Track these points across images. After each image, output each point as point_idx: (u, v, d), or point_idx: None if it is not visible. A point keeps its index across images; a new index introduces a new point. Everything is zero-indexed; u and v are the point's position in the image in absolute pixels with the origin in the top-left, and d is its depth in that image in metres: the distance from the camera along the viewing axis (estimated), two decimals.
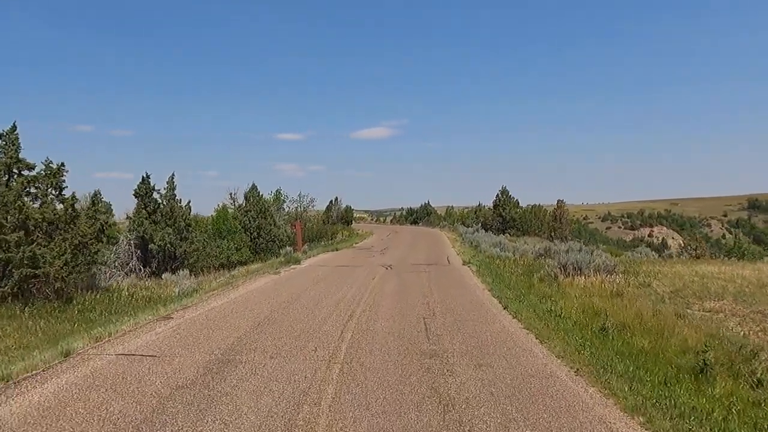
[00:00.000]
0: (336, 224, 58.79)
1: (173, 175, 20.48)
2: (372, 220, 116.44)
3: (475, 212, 56.13)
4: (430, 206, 72.21)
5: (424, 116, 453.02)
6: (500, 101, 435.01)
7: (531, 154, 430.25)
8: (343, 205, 61.17)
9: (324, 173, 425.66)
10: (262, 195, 26.48)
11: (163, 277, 14.94)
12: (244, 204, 26.00)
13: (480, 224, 40.54)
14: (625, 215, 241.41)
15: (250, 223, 25.20)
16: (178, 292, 11.39)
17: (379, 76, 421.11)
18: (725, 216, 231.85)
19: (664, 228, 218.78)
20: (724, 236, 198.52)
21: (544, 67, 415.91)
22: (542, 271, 14.06)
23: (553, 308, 9.16)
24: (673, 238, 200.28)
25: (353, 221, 62.82)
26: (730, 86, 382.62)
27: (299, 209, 36.67)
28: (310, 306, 9.28)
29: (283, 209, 33.26)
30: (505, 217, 41.60)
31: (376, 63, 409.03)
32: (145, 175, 19.85)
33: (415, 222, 70.24)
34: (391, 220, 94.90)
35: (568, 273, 13.56)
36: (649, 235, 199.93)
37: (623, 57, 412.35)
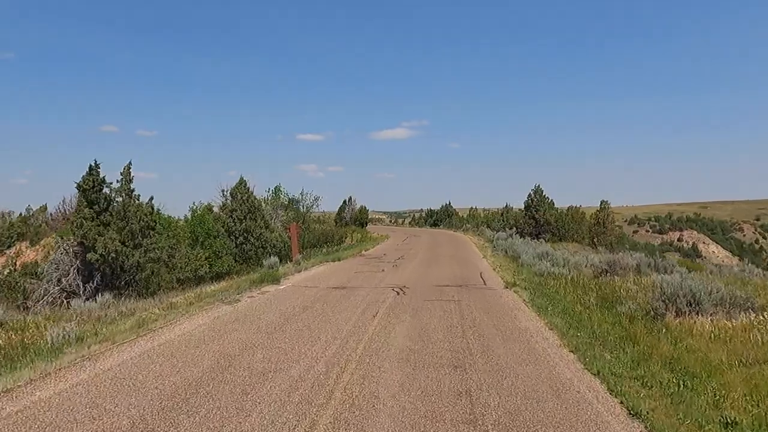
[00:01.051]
0: (348, 226, 54.29)
1: (129, 164, 16.06)
2: (390, 221, 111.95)
3: (503, 214, 51.09)
4: (451, 207, 67.29)
5: (444, 117, 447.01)
6: (521, 102, 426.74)
7: (552, 155, 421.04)
8: (358, 206, 56.60)
9: (343, 174, 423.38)
10: (251, 191, 21.98)
11: (72, 305, 10.40)
12: (230, 202, 21.52)
13: (513, 228, 35.59)
14: (653, 218, 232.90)
15: (235, 225, 20.73)
16: (51, 343, 6.87)
17: (399, 77, 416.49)
18: (758, 220, 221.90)
19: (695, 232, 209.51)
20: (757, 241, 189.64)
21: (565, 67, 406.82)
22: (628, 305, 9.23)
23: (717, 402, 4.43)
24: (704, 243, 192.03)
25: (368, 223, 58.21)
26: (760, 87, 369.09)
27: (302, 209, 32.18)
28: (225, 404, 4.64)
29: (281, 209, 28.73)
30: (539, 219, 36.58)
31: (396, 63, 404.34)
32: (93, 164, 15.45)
33: (435, 224, 65.41)
34: (410, 222, 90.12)
35: (678, 309, 8.72)
36: (678, 240, 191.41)
37: (654, 57, 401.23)
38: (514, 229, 33.06)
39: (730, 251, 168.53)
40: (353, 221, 55.76)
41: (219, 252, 19.61)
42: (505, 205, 51.67)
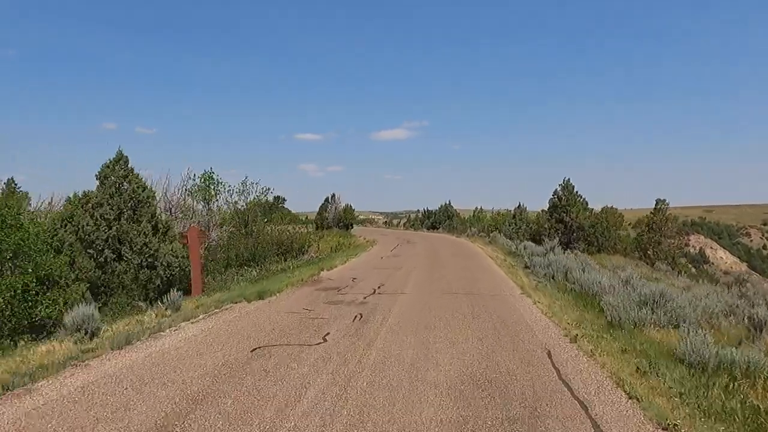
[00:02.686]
0: (330, 229, 45.77)
1: None
2: (385, 222, 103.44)
3: (515, 216, 42.58)
4: (452, 207, 58.66)
5: (445, 117, 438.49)
6: (522, 102, 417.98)
7: (552, 156, 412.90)
8: (342, 204, 48.04)
9: (342, 174, 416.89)
10: (138, 175, 13.32)
11: None
12: (97, 192, 12.86)
13: (547, 236, 27.09)
14: None
15: (97, 231, 12.13)
16: None
17: (399, 77, 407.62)
18: (765, 225, 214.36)
19: (702, 237, 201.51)
20: (765, 247, 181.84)
21: (565, 68, 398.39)
22: None
23: None
24: (711, 248, 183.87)
25: (355, 224, 49.59)
26: (763, 89, 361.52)
27: (241, 204, 23.51)
28: None
29: (216, 205, 20.13)
30: (569, 224, 28.13)
31: (397, 63, 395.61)
32: None
33: (433, 227, 56.81)
34: (404, 224, 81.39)
35: None
36: (685, 245, 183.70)
37: (658, 58, 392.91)
38: (556, 238, 24.42)
39: (738, 257, 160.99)
40: (336, 222, 47.24)
41: (60, 276, 11.05)
42: (518, 204, 43.14)
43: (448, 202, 58.73)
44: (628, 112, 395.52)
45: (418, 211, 72.40)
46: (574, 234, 27.61)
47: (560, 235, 27.62)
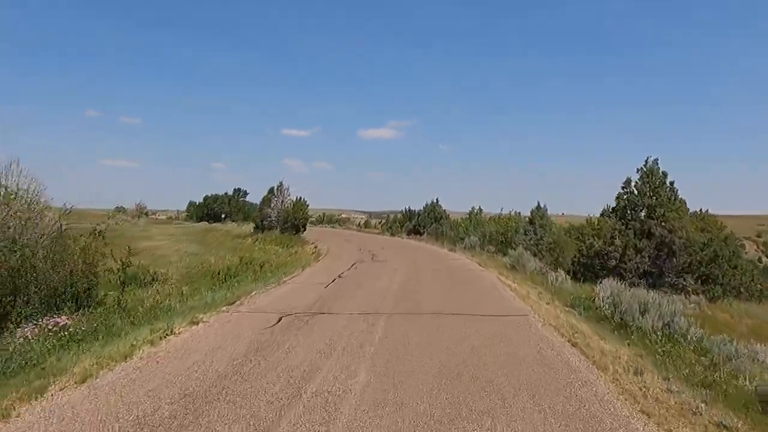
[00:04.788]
0: (265, 232, 32.59)
1: None
2: (359, 224, 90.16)
3: (533, 221, 29.98)
4: (440, 208, 45.63)
5: (435, 118, 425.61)
6: (516, 105, 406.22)
7: (544, 160, 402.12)
8: (290, 197, 34.74)
9: (329, 171, 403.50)
10: None
11: None
12: None
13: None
14: None
15: None
16: None
17: (390, 76, 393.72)
18: (759, 237, 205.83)
19: None
20: (760, 259, 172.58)
21: (558, 73, 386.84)
22: None
23: None
24: None
25: (305, 226, 36.24)
26: (758, 98, 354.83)
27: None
28: None
29: None
30: (666, 240, 15.29)
31: (385, 61, 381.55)
32: None
33: (416, 231, 43.76)
34: (382, 224, 68.05)
35: None
36: None
37: (644, 66, 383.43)
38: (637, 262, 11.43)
39: None
40: (283, 222, 33.92)
41: None
42: (537, 205, 30.45)
43: (435, 201, 45.68)
44: (621, 119, 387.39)
45: (404, 210, 58.86)
46: (675, 258, 14.82)
47: (647, 258, 14.71)
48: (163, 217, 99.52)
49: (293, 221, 34.22)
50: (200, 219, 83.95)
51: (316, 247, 28.12)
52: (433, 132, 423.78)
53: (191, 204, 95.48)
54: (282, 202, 34.65)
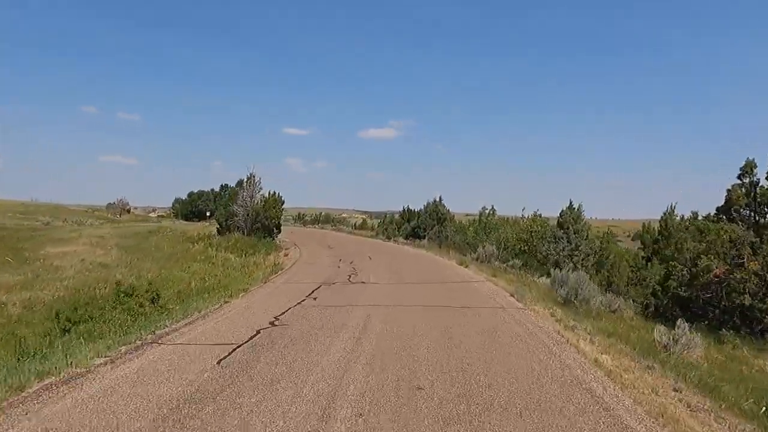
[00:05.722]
0: (234, 233, 26.34)
1: None
2: (354, 225, 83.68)
3: (563, 225, 23.70)
4: (443, 207, 39.11)
5: (436, 118, 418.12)
6: (517, 106, 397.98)
7: (551, 162, 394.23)
8: (259, 193, 28.28)
9: (328, 170, 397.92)
10: None
11: None
12: None
13: None
14: None
15: None
16: None
17: (390, 76, 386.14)
18: None
19: None
20: None
21: (560, 74, 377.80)
22: None
23: None
24: None
25: (280, 226, 29.76)
26: None
27: None
28: None
29: None
30: None
31: (385, 61, 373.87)
32: None
33: (415, 234, 37.32)
34: (379, 225, 61.34)
35: None
36: None
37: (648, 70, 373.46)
38: None
39: None
40: (251, 223, 27.47)
41: None
42: (569, 204, 24.14)
43: (438, 199, 39.13)
44: (635, 119, 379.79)
45: (404, 209, 52.09)
46: None
47: None
48: (154, 215, 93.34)
49: (263, 221, 27.76)
50: (185, 217, 77.48)
51: (286, 255, 21.80)
52: (433, 132, 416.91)
53: (177, 201, 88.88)
54: (251, 197, 28.17)
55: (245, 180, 29.43)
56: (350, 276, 14.69)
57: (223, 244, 22.92)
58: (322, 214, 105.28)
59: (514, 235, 23.64)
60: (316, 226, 66.01)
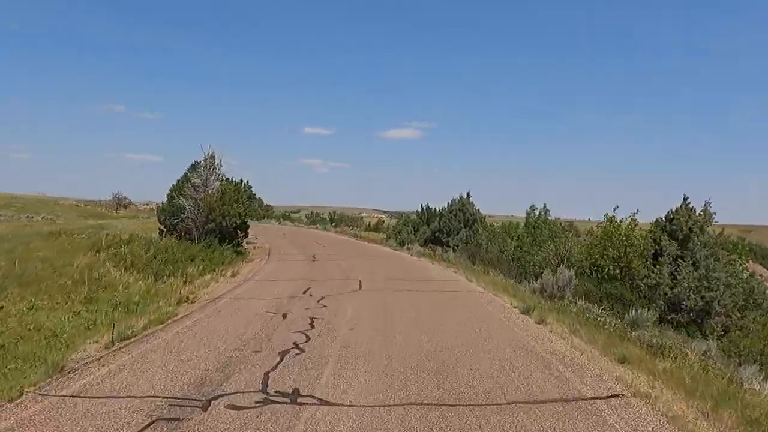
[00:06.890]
0: (184, 239, 18.00)
1: None
2: (370, 223, 75.46)
3: (672, 232, 14.70)
4: (472, 206, 30.46)
5: (457, 120, 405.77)
6: (537, 107, 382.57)
7: (567, 165, 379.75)
8: (217, 175, 20.06)
9: (348, 171, 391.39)
10: None
11: None
12: None
13: None
14: None
15: None
16: None
17: (411, 76, 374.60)
18: None
19: (750, 262, 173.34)
20: None
21: (568, 74, 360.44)
22: None
23: None
24: (761, 275, 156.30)
25: (246, 227, 21.47)
26: None
27: None
28: None
29: None
30: None
31: (407, 62, 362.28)
32: None
33: (436, 240, 28.80)
34: (396, 225, 52.79)
35: None
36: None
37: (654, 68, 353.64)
38: None
39: None
40: (204, 222, 19.29)
41: None
42: (684, 201, 15.27)
43: (465, 196, 30.51)
44: (658, 122, 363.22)
45: (419, 209, 43.37)
46: None
47: None
48: (145, 209, 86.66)
49: (220, 220, 19.52)
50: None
51: (233, 275, 13.64)
52: (455, 132, 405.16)
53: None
54: (205, 185, 19.95)
55: (203, 162, 21.24)
56: (300, 372, 6.27)
57: (140, 255, 14.71)
58: (335, 212, 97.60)
59: (598, 251, 14.85)
60: (318, 227, 57.95)
